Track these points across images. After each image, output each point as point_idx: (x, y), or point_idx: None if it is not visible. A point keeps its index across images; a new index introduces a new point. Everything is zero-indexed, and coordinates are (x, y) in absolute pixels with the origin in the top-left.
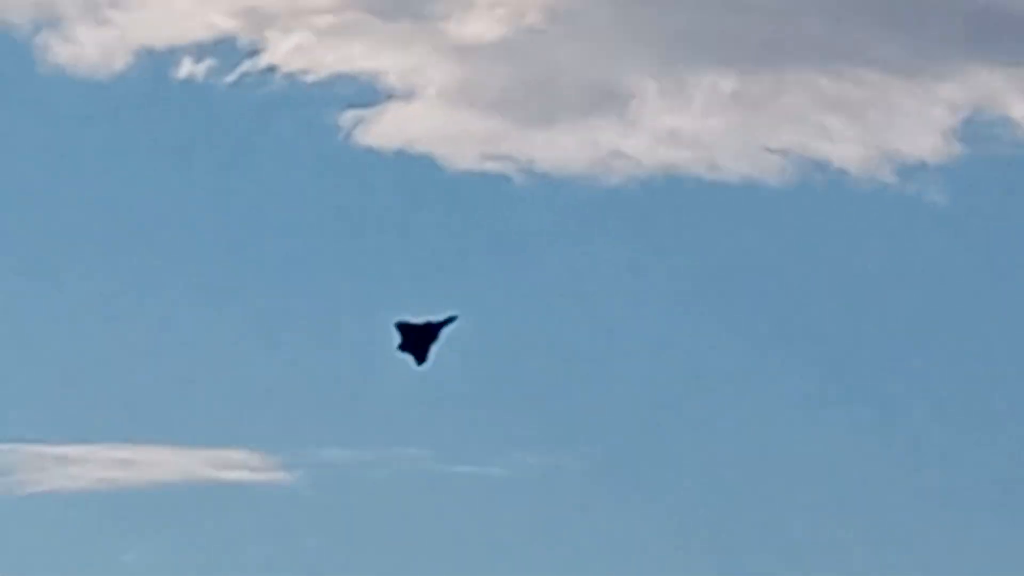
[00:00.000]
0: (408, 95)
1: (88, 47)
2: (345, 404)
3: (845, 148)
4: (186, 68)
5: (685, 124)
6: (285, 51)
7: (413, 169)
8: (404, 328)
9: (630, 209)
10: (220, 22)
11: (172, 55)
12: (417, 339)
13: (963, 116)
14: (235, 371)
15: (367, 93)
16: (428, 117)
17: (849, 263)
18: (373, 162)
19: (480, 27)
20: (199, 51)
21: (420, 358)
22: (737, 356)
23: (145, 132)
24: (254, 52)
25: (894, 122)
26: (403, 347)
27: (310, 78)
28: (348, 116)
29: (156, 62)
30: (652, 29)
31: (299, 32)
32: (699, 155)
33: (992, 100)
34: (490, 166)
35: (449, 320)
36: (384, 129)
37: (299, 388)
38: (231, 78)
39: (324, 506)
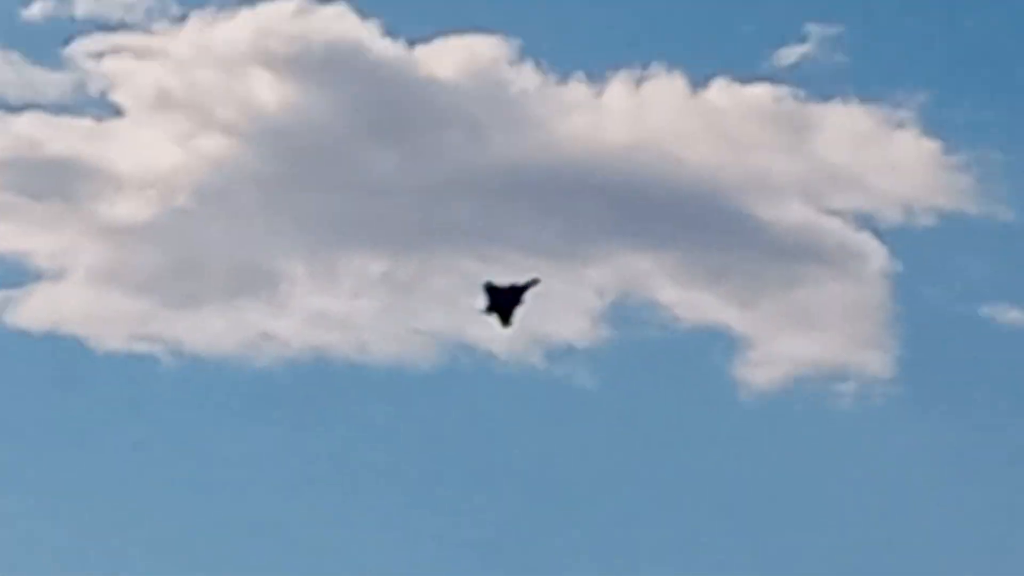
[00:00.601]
0: (57, 276)
1: None
2: None
3: (493, 331)
4: None
5: (334, 306)
6: None
7: (63, 350)
8: (491, 290)
9: (279, 390)
10: None
11: None
12: (503, 301)
13: (610, 299)
14: None
15: (16, 273)
16: (77, 298)
17: (498, 444)
18: (23, 343)
19: (129, 208)
20: None
21: (505, 320)
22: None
23: None
24: None
25: (542, 305)
26: (490, 309)
27: None
28: None
29: None
30: (301, 211)
31: None
32: (348, 337)
33: (638, 283)
34: (139, 347)
35: (533, 283)
36: (33, 310)
37: None
38: None
39: None
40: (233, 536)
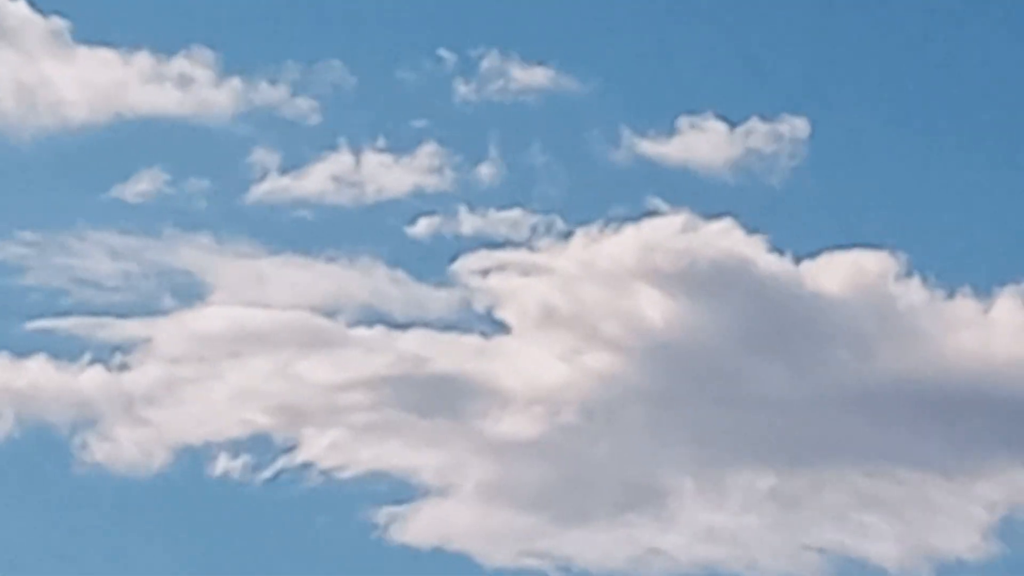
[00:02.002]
0: (444, 492)
1: (126, 445)
2: None
3: (883, 546)
4: (222, 464)
5: (722, 522)
6: (321, 448)
7: (450, 566)
8: None
9: None
10: (256, 419)
11: (208, 451)
12: None
13: (1001, 514)
14: None
15: (403, 490)
16: (464, 514)
17: None
18: (409, 559)
19: (516, 425)
20: (235, 447)
21: None
22: None
23: (181, 529)
24: (290, 448)
25: (932, 520)
26: None
27: (346, 475)
28: (384, 513)
29: (192, 459)
30: (688, 427)
31: (335, 429)
32: (737, 552)
33: None
34: (527, 563)
35: None
36: (420, 526)
37: None
38: (266, 475)
39: None
40: None
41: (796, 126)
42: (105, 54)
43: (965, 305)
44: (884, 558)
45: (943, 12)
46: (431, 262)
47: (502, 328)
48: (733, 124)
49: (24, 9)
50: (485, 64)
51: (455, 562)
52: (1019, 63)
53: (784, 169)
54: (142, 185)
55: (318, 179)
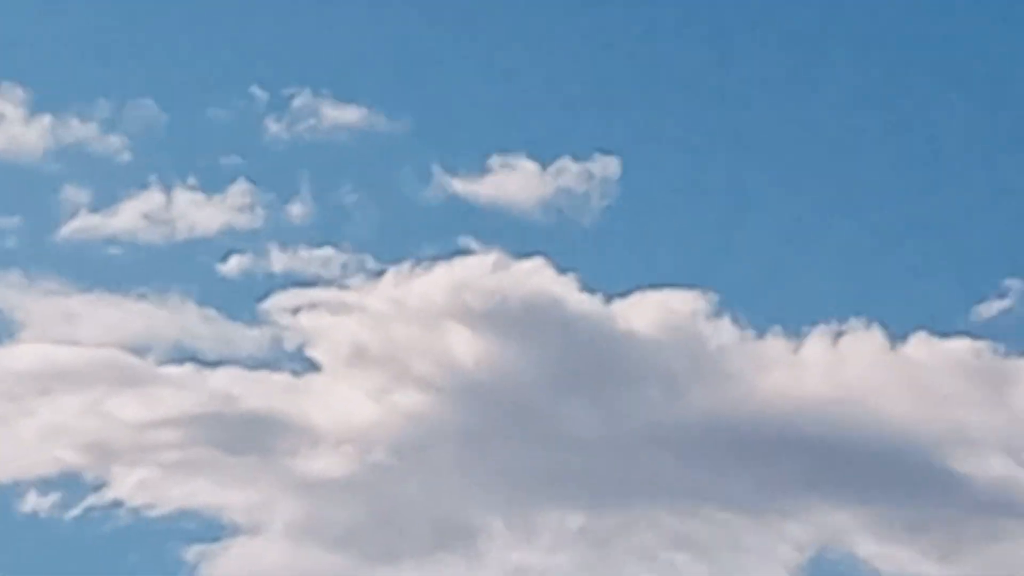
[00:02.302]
0: (254, 530)
1: None
2: None
3: None
4: (31, 502)
5: (532, 561)
6: (130, 486)
7: None
8: None
9: None
10: (65, 456)
11: (16, 489)
12: None
13: (810, 554)
14: None
15: (212, 528)
16: (274, 553)
17: None
18: None
19: (326, 463)
20: (44, 485)
21: None
22: None
23: None
24: (99, 487)
25: (741, 560)
26: None
27: (155, 513)
28: (193, 551)
29: (0, 497)
30: (498, 466)
31: (144, 467)
32: None
33: (838, 538)
34: None
35: None
36: (230, 565)
37: None
38: (76, 512)
39: None
40: None
41: (607, 165)
42: None
43: (775, 345)
44: None
45: (749, 51)
46: (242, 300)
47: (313, 366)
48: (544, 163)
49: None
50: (297, 102)
51: None
52: (830, 105)
53: (595, 208)
54: None
55: (129, 216)
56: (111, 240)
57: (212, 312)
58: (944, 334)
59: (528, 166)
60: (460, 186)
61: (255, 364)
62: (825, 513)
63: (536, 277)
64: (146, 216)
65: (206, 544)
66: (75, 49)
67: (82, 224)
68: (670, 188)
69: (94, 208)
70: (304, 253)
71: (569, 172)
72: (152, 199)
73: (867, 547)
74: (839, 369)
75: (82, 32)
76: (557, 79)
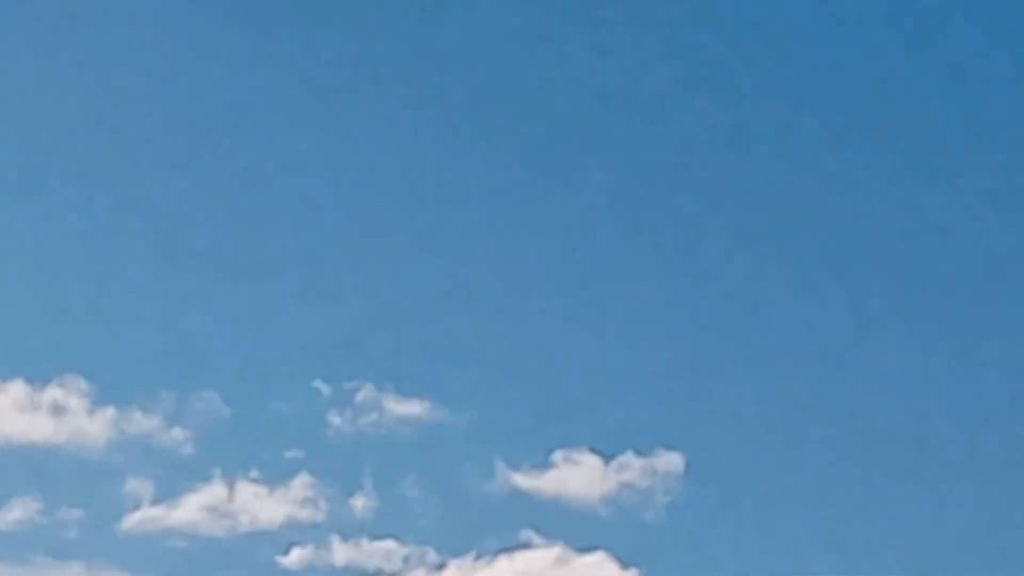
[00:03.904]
0: None
1: None
2: None
3: None
4: None
5: None
6: None
7: None
8: None
9: None
10: None
11: None
12: None
13: None
14: None
15: None
16: None
17: None
18: None
19: None
20: None
21: None
22: None
23: None
24: None
25: None
26: None
27: None
28: None
29: None
30: None
31: None
32: None
33: None
34: None
35: None
36: None
37: None
38: None
39: None
40: None
41: (670, 460)
42: None
43: None
44: None
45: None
46: None
47: None
48: (607, 458)
49: None
50: (360, 396)
51: None
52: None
53: (658, 503)
54: (15, 513)
55: (191, 509)
56: (173, 532)
57: None
58: None
59: (591, 460)
60: (523, 480)
61: None
62: None
63: (599, 572)
64: (209, 508)
65: None
66: (138, 341)
67: (144, 516)
68: (734, 484)
69: (157, 500)
70: (366, 545)
71: (632, 467)
72: (215, 492)
73: None
74: None
75: (145, 324)
76: (621, 373)
